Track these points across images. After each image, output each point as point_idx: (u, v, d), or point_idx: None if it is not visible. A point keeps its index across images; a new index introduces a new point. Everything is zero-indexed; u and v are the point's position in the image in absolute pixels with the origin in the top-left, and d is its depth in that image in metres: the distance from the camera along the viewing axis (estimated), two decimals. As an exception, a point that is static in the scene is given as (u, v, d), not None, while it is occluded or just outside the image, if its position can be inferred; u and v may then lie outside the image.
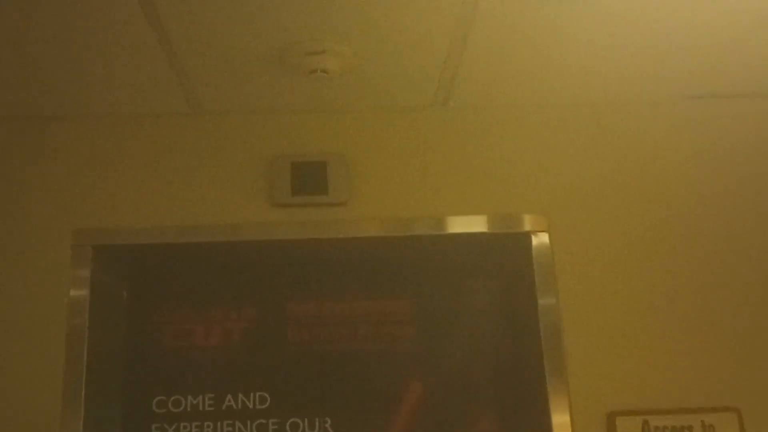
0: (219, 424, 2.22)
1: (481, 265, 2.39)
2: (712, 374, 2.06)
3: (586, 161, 2.25)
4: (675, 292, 2.13)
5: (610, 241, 2.17)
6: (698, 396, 2.03)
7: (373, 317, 2.36)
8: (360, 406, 2.26)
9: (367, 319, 2.36)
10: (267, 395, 2.27)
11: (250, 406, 2.25)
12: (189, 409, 2.24)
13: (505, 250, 2.30)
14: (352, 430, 2.23)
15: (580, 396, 2.03)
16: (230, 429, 2.21)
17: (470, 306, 2.38)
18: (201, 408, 2.24)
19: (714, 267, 2.15)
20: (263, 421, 2.22)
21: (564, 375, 2.05)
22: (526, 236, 2.20)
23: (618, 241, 2.17)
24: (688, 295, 2.13)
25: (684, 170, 2.24)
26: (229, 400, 2.26)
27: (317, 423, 2.22)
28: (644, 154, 2.25)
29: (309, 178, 2.21)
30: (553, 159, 2.24)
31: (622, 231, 2.18)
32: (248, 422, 2.22)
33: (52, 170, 2.20)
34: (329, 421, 2.22)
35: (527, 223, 2.20)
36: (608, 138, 2.27)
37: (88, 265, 2.15)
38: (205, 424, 2.22)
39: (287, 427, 2.22)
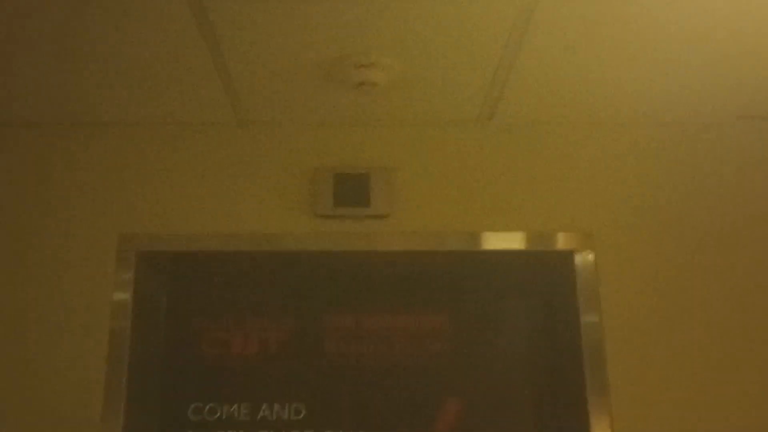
0: (253, 434, 2.22)
1: (521, 282, 2.38)
2: (758, 398, 2.01)
3: (632, 180, 2.22)
4: (721, 313, 2.09)
5: (654, 260, 2.14)
6: (745, 420, 1.99)
7: (410, 332, 2.35)
8: (395, 421, 2.25)
9: (404, 333, 2.35)
10: (302, 407, 2.26)
11: (285, 417, 2.25)
12: (224, 418, 2.25)
13: (549, 268, 2.28)
14: (386, 445, 2.21)
15: (622, 417, 1.99)
16: None
17: (510, 323, 2.35)
18: (236, 417, 2.24)
19: (762, 289, 2.11)
20: (298, 432, 2.22)
21: (606, 395, 2.02)
22: (570, 255, 2.18)
23: (663, 262, 2.14)
24: (734, 316, 2.09)
25: (732, 191, 2.21)
26: (265, 410, 2.26)
27: (352, 436, 2.21)
28: (692, 175, 2.23)
29: (351, 190, 2.22)
30: (598, 178, 2.23)
31: (667, 251, 2.15)
32: (283, 433, 2.22)
33: (99, 176, 2.25)
34: (364, 435, 2.21)
35: (569, 241, 2.18)
36: (655, 157, 2.24)
37: (131, 269, 2.18)
38: (240, 433, 2.22)
39: (322, 439, 2.21)
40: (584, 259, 2.16)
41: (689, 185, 2.21)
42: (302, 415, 2.25)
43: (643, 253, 2.15)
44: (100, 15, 1.75)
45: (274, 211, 2.21)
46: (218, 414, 2.26)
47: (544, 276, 2.33)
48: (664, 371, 2.04)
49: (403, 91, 2.09)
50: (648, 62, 1.95)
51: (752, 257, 2.14)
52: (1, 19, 1.76)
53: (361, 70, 1.93)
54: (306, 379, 2.30)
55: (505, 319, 2.36)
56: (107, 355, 2.08)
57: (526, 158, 2.25)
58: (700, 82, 2.06)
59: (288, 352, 2.33)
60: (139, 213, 2.21)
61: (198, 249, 2.22)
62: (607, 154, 2.25)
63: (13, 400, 2.04)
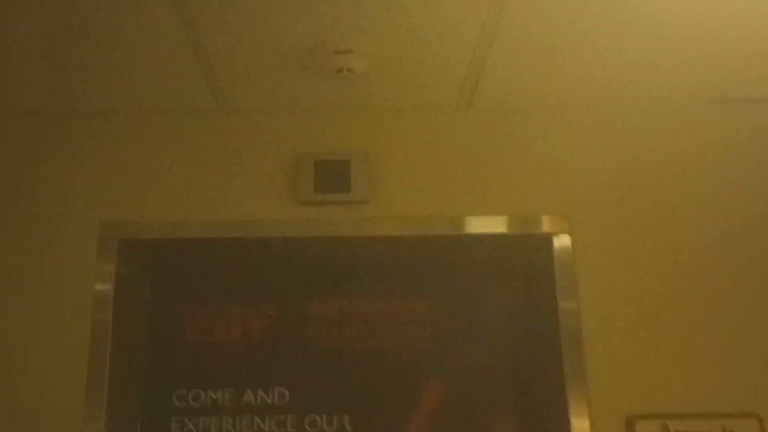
0: (238, 418, 2.24)
1: (502, 266, 2.40)
2: (733, 379, 2.05)
3: (609, 164, 2.24)
4: (697, 296, 2.12)
5: (631, 244, 2.17)
6: (719, 401, 2.02)
7: (392, 316, 2.37)
8: (379, 405, 2.27)
9: (386, 318, 2.37)
10: (286, 391, 2.28)
11: (269, 401, 2.27)
12: (209, 404, 2.26)
13: (526, 252, 2.30)
14: (370, 428, 2.24)
15: (599, 399, 2.02)
16: (249, 424, 2.23)
17: (490, 307, 2.38)
18: (220, 402, 2.26)
19: (737, 271, 2.14)
20: (282, 417, 2.24)
21: (584, 378, 2.05)
22: (548, 238, 2.20)
23: (639, 245, 2.17)
24: (710, 299, 2.12)
25: (708, 174, 2.23)
26: (249, 395, 2.28)
27: (335, 420, 2.23)
28: (667, 158, 2.25)
29: (332, 177, 2.23)
30: (576, 161, 2.25)
31: (643, 234, 2.18)
32: (267, 418, 2.24)
33: (79, 165, 2.24)
34: (347, 419, 2.23)
35: (548, 225, 2.20)
36: (632, 141, 2.27)
37: (113, 258, 2.18)
38: (224, 418, 2.24)
39: (306, 424, 2.23)
40: (561, 242, 2.18)
41: (664, 169, 2.24)
42: (286, 400, 2.27)
43: (620, 236, 2.17)
44: (79, 3, 1.74)
45: (256, 197, 2.22)
46: (202, 399, 2.27)
47: (524, 259, 2.35)
48: (638, 353, 2.07)
49: (381, 77, 2.10)
50: (622, 47, 1.97)
51: (728, 239, 2.17)
52: (-25, 8, 1.75)
53: (339, 57, 1.94)
54: (289, 365, 2.31)
55: (486, 302, 2.38)
56: (89, 344, 2.09)
57: (505, 143, 2.26)
58: (673, 66, 2.07)
59: (271, 338, 2.35)
60: (120, 201, 2.21)
61: (179, 236, 2.22)
62: (584, 138, 2.27)
63: None
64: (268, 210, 2.21)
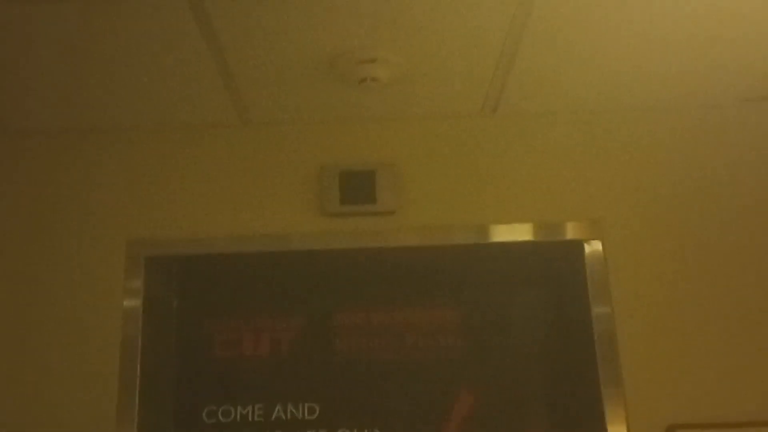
0: (268, 434, 2.22)
1: (533, 273, 2.36)
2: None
3: (638, 167, 2.21)
4: (735, 300, 2.08)
5: (663, 247, 2.13)
6: (760, 409, 1.97)
7: (421, 327, 2.34)
8: (409, 417, 2.24)
9: (415, 328, 2.34)
10: (316, 406, 2.26)
11: (299, 416, 2.25)
12: (239, 419, 2.24)
13: (557, 259, 2.27)
14: (402, 441, 2.21)
15: (637, 407, 1.98)
16: None
17: (521, 315, 2.34)
18: (250, 418, 2.24)
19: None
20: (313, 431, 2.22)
21: (620, 386, 2.01)
22: (578, 244, 2.16)
23: (672, 248, 2.13)
24: (748, 303, 2.08)
25: (740, 174, 2.19)
26: (279, 411, 2.26)
27: (366, 434, 2.21)
28: (698, 159, 2.21)
29: (358, 188, 2.21)
30: (605, 165, 2.21)
31: (676, 238, 2.14)
32: (298, 433, 2.22)
33: (105, 182, 2.25)
34: (377, 431, 2.20)
35: (578, 231, 2.17)
36: (660, 143, 2.23)
37: (141, 275, 2.18)
38: (255, 434, 2.22)
39: (337, 438, 2.21)
40: (593, 248, 2.14)
41: (696, 170, 2.20)
42: (316, 415, 2.25)
43: (652, 240, 2.13)
44: (104, 21, 1.75)
45: (281, 210, 2.21)
46: (232, 416, 2.26)
47: (554, 266, 2.31)
48: (677, 359, 2.03)
49: (406, 86, 2.09)
50: (650, 47, 1.94)
51: (763, 242, 2.12)
52: (9, 31, 1.76)
53: (363, 66, 1.93)
54: (319, 378, 2.29)
55: (515, 311, 2.34)
56: (119, 361, 2.08)
57: (531, 149, 2.24)
58: (704, 66, 2.04)
59: (300, 351, 2.33)
60: (146, 218, 2.22)
61: (206, 252, 2.22)
62: (612, 142, 2.23)
63: (27, 409, 2.04)
64: (293, 223, 2.20)
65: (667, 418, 1.97)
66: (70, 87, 2.05)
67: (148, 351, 2.14)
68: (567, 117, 2.26)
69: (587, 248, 2.15)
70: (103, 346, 2.09)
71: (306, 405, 2.26)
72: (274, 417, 2.25)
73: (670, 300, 2.08)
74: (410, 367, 2.30)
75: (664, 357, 2.03)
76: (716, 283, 2.10)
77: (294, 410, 2.26)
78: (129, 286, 2.16)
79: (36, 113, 2.20)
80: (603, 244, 2.13)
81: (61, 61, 1.92)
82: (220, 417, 2.25)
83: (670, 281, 2.10)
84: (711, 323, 2.06)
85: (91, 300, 2.13)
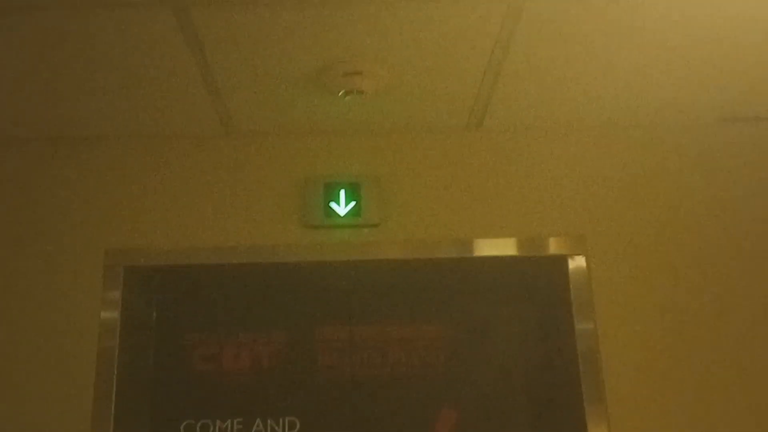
0: (248, 449, 2.19)
1: (516, 288, 2.36)
2: (760, 404, 2.00)
3: (621, 183, 2.22)
4: (717, 315, 2.09)
5: (647, 264, 2.13)
6: (744, 425, 1.97)
7: (403, 341, 2.33)
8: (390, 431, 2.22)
9: (397, 343, 2.33)
10: (297, 420, 2.23)
11: (279, 431, 2.22)
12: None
13: (541, 274, 2.27)
14: (383, 457, 2.18)
15: (620, 424, 1.97)
16: None
17: (504, 330, 2.34)
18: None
19: (756, 289, 2.11)
20: (292, 446, 2.19)
21: (603, 402, 2.00)
22: (562, 259, 2.16)
23: (655, 265, 2.13)
24: (731, 319, 2.08)
25: (720, 192, 2.20)
26: (258, 425, 2.23)
27: (347, 449, 2.18)
28: (679, 177, 2.22)
29: (342, 200, 2.20)
30: (589, 182, 2.22)
31: (659, 254, 2.15)
32: (277, 447, 2.19)
33: (85, 191, 2.21)
34: (360, 447, 2.18)
35: (562, 246, 2.17)
36: (643, 160, 2.24)
37: (119, 286, 2.14)
38: (234, 449, 2.19)
39: (317, 453, 2.18)
40: (577, 264, 2.14)
41: (677, 187, 2.21)
42: (297, 429, 2.22)
43: (636, 256, 2.14)
44: (88, 30, 1.73)
45: (264, 222, 2.19)
46: (211, 430, 2.22)
47: (538, 282, 2.31)
48: (660, 376, 2.03)
49: (391, 99, 2.08)
50: (632, 66, 1.95)
51: (744, 257, 2.14)
52: (-18, 34, 1.73)
53: (348, 78, 1.92)
54: (300, 393, 2.27)
55: (499, 326, 2.34)
56: (95, 373, 2.04)
57: (516, 164, 2.24)
58: (682, 85, 2.06)
59: (281, 365, 2.30)
60: (126, 228, 2.18)
61: (186, 263, 2.19)
62: (595, 158, 2.24)
63: (1, 419, 1.99)
64: (276, 235, 2.18)
65: (649, 436, 1.97)
66: (51, 95, 2.02)
67: (125, 363, 2.10)
68: (552, 133, 2.26)
69: (571, 264, 2.15)
70: (80, 356, 2.05)
71: (287, 419, 2.23)
72: (253, 431, 2.22)
73: (654, 315, 2.08)
74: (393, 381, 2.29)
75: (646, 373, 2.03)
76: (699, 298, 2.10)
77: (274, 425, 2.23)
78: (107, 296, 2.12)
79: (14, 121, 2.16)
80: (587, 260, 2.13)
81: (42, 68, 1.89)
82: (199, 431, 2.22)
83: (653, 297, 2.10)
84: (694, 338, 2.07)
85: (68, 310, 2.09)
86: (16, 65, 1.87)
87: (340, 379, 2.28)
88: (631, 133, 2.26)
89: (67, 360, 2.05)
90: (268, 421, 2.23)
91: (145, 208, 2.20)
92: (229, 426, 2.23)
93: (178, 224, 2.19)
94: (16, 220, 2.17)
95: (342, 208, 2.18)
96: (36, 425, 1.99)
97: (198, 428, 2.22)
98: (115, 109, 2.11)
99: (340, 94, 1.97)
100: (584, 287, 2.11)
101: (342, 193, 2.19)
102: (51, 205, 2.19)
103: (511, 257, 2.17)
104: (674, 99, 2.13)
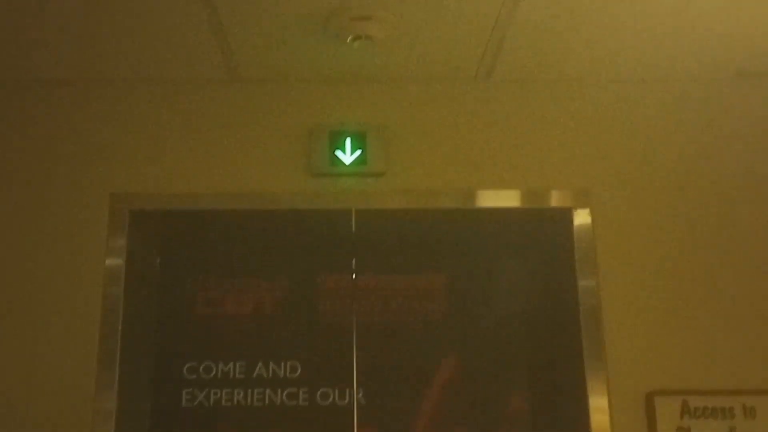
0: (249, 391, 2.22)
1: (521, 241, 2.37)
2: (754, 356, 2.02)
3: (630, 137, 2.20)
4: (719, 272, 2.09)
5: (652, 218, 2.13)
6: (740, 378, 2.00)
7: (406, 290, 2.35)
8: (391, 379, 2.26)
9: (400, 292, 2.35)
10: (298, 364, 2.27)
11: (281, 374, 2.25)
12: (220, 376, 2.25)
13: (546, 227, 2.27)
14: (383, 402, 2.22)
15: (618, 375, 2.00)
16: (260, 397, 2.22)
17: (507, 283, 2.36)
18: (232, 375, 2.24)
19: (761, 246, 2.11)
20: (293, 390, 2.22)
21: (602, 354, 2.02)
22: (567, 212, 2.16)
23: (660, 219, 2.13)
24: (732, 276, 2.09)
25: (731, 147, 2.19)
26: (260, 368, 2.26)
27: (347, 393, 2.21)
28: (690, 131, 2.21)
29: (347, 148, 2.18)
30: (596, 134, 2.20)
31: (664, 208, 2.14)
32: (279, 390, 2.22)
33: (91, 134, 2.20)
34: (361, 392, 2.22)
35: (568, 199, 2.16)
36: (653, 114, 2.22)
37: (124, 231, 2.15)
38: (236, 391, 2.22)
39: (317, 397, 2.22)
40: (581, 217, 2.14)
41: (687, 142, 2.19)
42: (298, 373, 2.26)
43: (640, 211, 2.14)
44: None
45: (269, 169, 2.18)
46: (214, 372, 2.26)
47: (541, 235, 2.32)
48: (661, 330, 2.04)
49: (399, 46, 2.05)
50: (646, 19, 1.92)
51: (753, 213, 2.13)
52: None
53: (357, 23, 1.89)
54: (301, 338, 2.30)
55: (501, 278, 2.36)
56: (101, 316, 2.06)
57: (523, 116, 2.22)
58: (698, 39, 2.03)
59: (284, 311, 2.33)
60: (132, 171, 2.18)
61: (192, 208, 2.20)
62: (604, 111, 2.22)
63: (6, 367, 2.02)
64: (281, 182, 2.18)
65: (647, 386, 1.99)
66: (55, 37, 2.00)
67: (129, 308, 2.12)
68: (560, 85, 2.24)
69: (575, 217, 2.14)
70: (86, 298, 2.07)
71: (288, 363, 2.27)
72: (255, 374, 2.25)
73: (654, 271, 2.09)
74: (394, 330, 2.31)
75: (645, 327, 2.04)
76: (702, 255, 2.10)
77: (276, 368, 2.26)
78: (112, 240, 2.13)
79: (16, 64, 2.14)
80: (591, 213, 2.13)
81: (46, 11, 1.86)
82: (202, 373, 2.25)
83: (656, 253, 2.11)
84: (694, 293, 2.08)
85: (73, 254, 2.10)
86: (19, 7, 1.84)
87: (342, 327, 2.31)
88: (641, 88, 2.24)
89: (74, 303, 2.07)
90: (270, 365, 2.27)
91: (150, 153, 2.19)
92: (232, 368, 2.26)
93: (184, 169, 2.18)
94: (20, 163, 2.17)
95: (347, 156, 2.17)
96: (43, 369, 2.02)
97: (201, 370, 2.26)
98: (121, 52, 2.09)
99: (348, 39, 1.94)
100: (588, 241, 2.12)
101: (348, 141, 2.18)
102: (56, 149, 2.19)
103: (515, 209, 2.17)
104: (689, 53, 2.11)
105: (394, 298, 2.34)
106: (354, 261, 2.32)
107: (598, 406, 2.00)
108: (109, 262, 2.11)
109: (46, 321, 2.05)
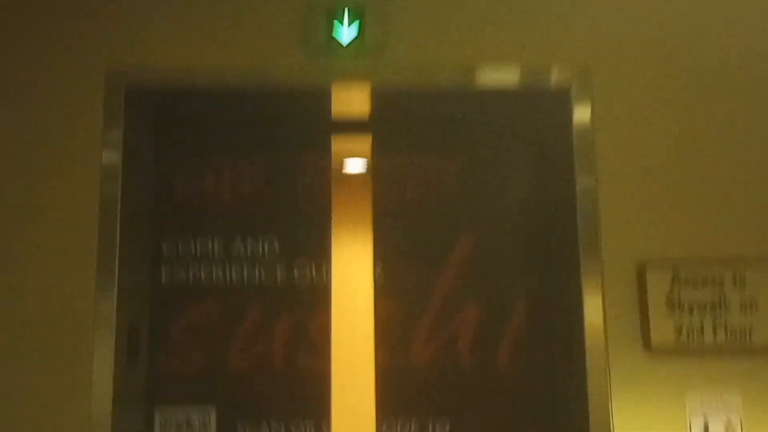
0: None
1: (520, 122, 2.37)
2: (744, 224, 2.04)
3: (632, 19, 2.15)
4: (710, 141, 2.09)
5: (648, 91, 2.11)
6: (731, 246, 2.02)
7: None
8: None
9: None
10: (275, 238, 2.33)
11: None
12: (199, 253, 2.31)
13: (545, 108, 2.26)
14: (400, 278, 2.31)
15: (610, 245, 2.02)
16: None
17: (507, 164, 2.38)
18: (210, 251, 2.31)
19: (756, 119, 2.10)
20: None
21: (596, 225, 2.03)
22: (566, 93, 2.13)
23: (657, 91, 2.11)
24: (724, 143, 2.09)
25: (740, 29, 2.14)
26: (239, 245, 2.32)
27: (324, 269, 2.32)
28: (695, 11, 2.15)
29: (346, 23, 2.15)
30: (597, 10, 2.15)
31: (667, 86, 2.12)
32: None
33: (83, 8, 2.15)
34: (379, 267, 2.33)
35: (568, 75, 2.13)
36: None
37: (120, 107, 2.12)
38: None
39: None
40: (579, 96, 2.11)
41: (693, 18, 2.15)
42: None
43: (640, 90, 2.11)
44: None
45: (266, 44, 2.15)
46: (193, 248, 2.32)
47: (540, 117, 2.31)
48: (652, 199, 2.05)
49: None
50: None
51: (752, 89, 2.11)
52: None
53: None
54: (281, 215, 2.33)
55: (501, 160, 2.38)
56: (99, 186, 2.07)
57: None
58: None
59: (267, 189, 2.35)
60: (127, 46, 2.14)
61: (189, 85, 2.17)
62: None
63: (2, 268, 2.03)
64: (278, 57, 2.14)
65: (638, 255, 2.01)
66: None
67: (126, 181, 2.11)
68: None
69: (573, 93, 2.12)
70: (83, 170, 2.07)
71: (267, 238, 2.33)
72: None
73: (647, 140, 2.08)
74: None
75: (638, 197, 2.05)
76: (695, 124, 2.09)
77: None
78: (108, 117, 2.11)
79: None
80: (591, 89, 2.11)
81: None
82: (180, 251, 2.31)
83: (649, 122, 2.09)
84: (685, 161, 2.07)
85: (69, 130, 2.09)
86: None
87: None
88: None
89: (73, 172, 2.07)
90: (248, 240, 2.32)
91: (146, 27, 2.14)
92: (210, 245, 2.32)
93: (179, 44, 2.14)
94: (11, 40, 2.13)
95: (345, 30, 2.14)
96: (42, 263, 2.03)
97: (179, 248, 2.32)
98: None
99: None
100: (587, 128, 2.09)
101: (345, 14, 2.14)
102: (49, 22, 2.14)
103: (516, 86, 2.15)
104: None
105: (403, 177, 2.36)
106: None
107: (591, 273, 2.01)
108: (105, 133, 2.09)
109: (43, 217, 2.05)
